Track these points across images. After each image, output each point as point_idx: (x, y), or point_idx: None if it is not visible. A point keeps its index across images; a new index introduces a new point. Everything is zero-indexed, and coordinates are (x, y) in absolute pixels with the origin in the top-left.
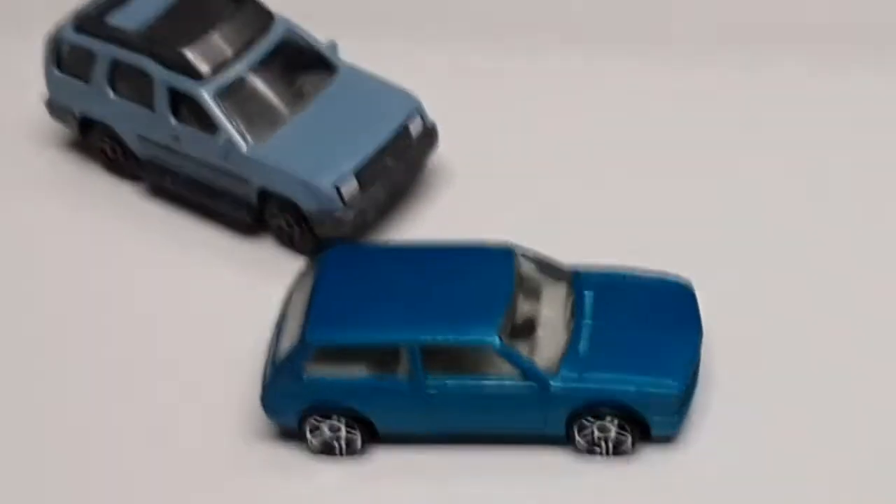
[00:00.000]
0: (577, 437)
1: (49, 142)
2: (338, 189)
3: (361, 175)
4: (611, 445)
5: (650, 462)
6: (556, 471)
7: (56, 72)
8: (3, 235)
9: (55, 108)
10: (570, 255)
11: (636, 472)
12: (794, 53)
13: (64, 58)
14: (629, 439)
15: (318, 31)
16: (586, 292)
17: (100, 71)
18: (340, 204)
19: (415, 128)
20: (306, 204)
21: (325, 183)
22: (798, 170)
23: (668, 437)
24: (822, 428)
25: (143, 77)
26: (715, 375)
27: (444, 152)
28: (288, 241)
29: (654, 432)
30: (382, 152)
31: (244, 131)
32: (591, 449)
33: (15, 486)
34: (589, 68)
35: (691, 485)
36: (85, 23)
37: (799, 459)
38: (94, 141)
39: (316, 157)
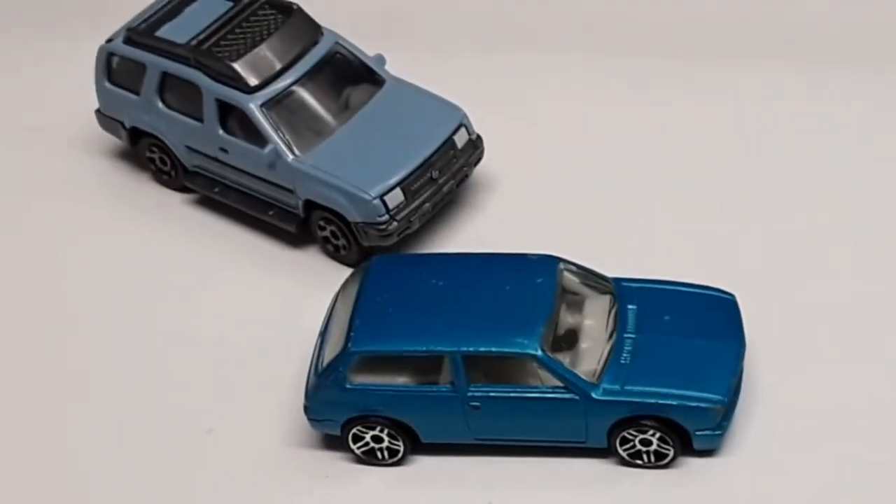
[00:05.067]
0: (619, 448)
1: (99, 151)
2: (383, 200)
3: (406, 186)
4: (652, 457)
5: (692, 473)
6: (598, 481)
7: (107, 83)
8: (53, 242)
9: (105, 118)
10: (613, 266)
11: (677, 483)
12: (843, 66)
13: (114, 70)
14: (671, 451)
15: (366, 45)
16: (629, 304)
17: (149, 83)
18: (385, 215)
19: (460, 139)
20: (351, 214)
21: (370, 194)
22: (844, 182)
23: (710, 450)
24: (866, 439)
25: (192, 89)
26: (758, 388)
27: (489, 163)
28: (333, 251)
29: (696, 444)
30: (427, 164)
31: (291, 143)
32: (633, 460)
33: (64, 484)
34: (634, 80)
35: (733, 497)
36: (135, 35)
37: (842, 472)
38: (143, 151)
39: (362, 168)
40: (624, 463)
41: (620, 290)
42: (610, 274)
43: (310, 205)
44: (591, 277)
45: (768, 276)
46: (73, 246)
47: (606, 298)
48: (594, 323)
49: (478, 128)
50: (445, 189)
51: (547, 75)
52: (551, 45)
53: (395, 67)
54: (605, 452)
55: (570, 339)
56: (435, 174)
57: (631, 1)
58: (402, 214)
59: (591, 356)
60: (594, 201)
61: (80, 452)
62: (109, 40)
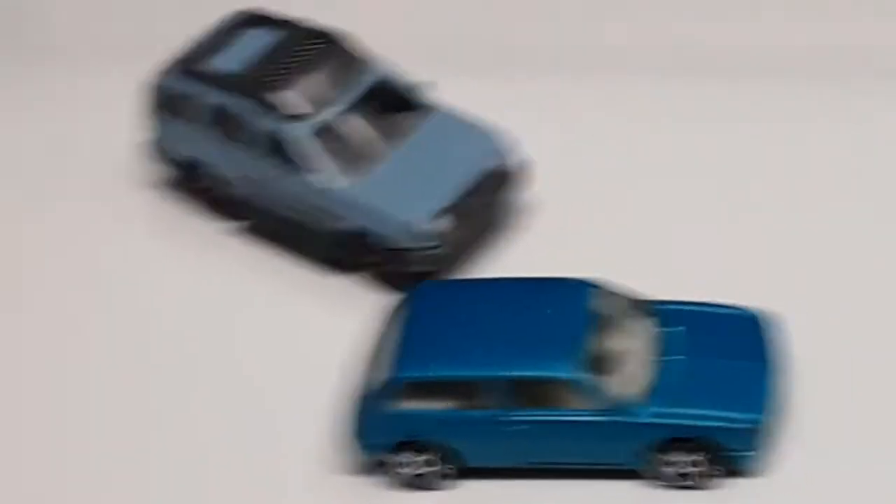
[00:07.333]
0: (661, 470)
1: (146, 183)
2: (428, 226)
3: (452, 212)
4: (695, 478)
5: (734, 494)
6: (642, 502)
7: (157, 115)
8: (99, 272)
9: (156, 149)
10: (656, 289)
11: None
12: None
13: (165, 101)
14: (713, 472)
15: (413, 73)
16: (669, 326)
17: (199, 114)
18: (431, 241)
19: (504, 166)
20: (397, 241)
21: (415, 220)
22: (891, 201)
23: (751, 470)
24: None
25: (241, 119)
26: (804, 408)
27: (534, 187)
28: (381, 277)
29: (737, 465)
30: (472, 190)
31: (338, 171)
32: (675, 481)
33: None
34: (682, 101)
35: None
36: (185, 67)
37: (888, 494)
38: (193, 181)
39: (407, 195)
40: (667, 484)
41: (661, 313)
42: (655, 297)
43: (357, 231)
44: (631, 300)
45: (818, 296)
46: (117, 275)
47: (647, 321)
48: (634, 346)
49: (523, 152)
50: (490, 214)
51: (592, 98)
52: (597, 65)
53: (441, 95)
54: (647, 474)
55: (610, 363)
56: (479, 199)
57: (686, 25)
58: (448, 240)
59: (631, 379)
60: (640, 224)
61: (113, 478)
62: (160, 72)
